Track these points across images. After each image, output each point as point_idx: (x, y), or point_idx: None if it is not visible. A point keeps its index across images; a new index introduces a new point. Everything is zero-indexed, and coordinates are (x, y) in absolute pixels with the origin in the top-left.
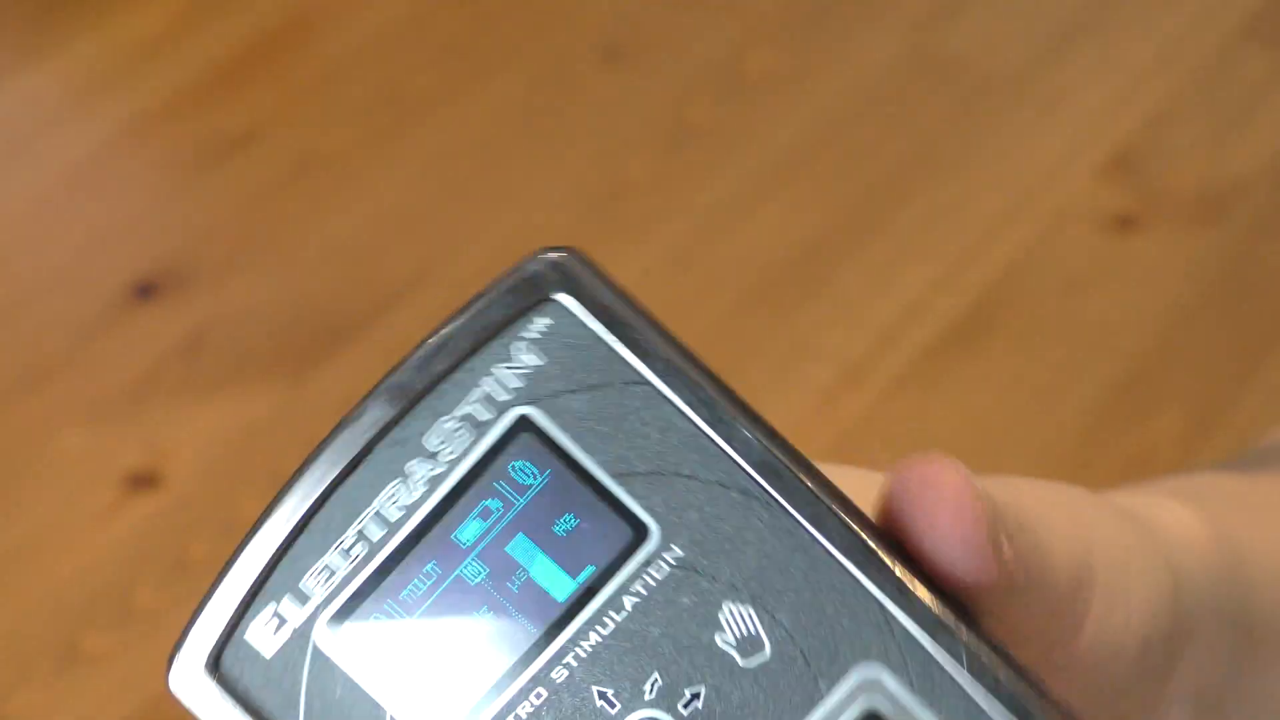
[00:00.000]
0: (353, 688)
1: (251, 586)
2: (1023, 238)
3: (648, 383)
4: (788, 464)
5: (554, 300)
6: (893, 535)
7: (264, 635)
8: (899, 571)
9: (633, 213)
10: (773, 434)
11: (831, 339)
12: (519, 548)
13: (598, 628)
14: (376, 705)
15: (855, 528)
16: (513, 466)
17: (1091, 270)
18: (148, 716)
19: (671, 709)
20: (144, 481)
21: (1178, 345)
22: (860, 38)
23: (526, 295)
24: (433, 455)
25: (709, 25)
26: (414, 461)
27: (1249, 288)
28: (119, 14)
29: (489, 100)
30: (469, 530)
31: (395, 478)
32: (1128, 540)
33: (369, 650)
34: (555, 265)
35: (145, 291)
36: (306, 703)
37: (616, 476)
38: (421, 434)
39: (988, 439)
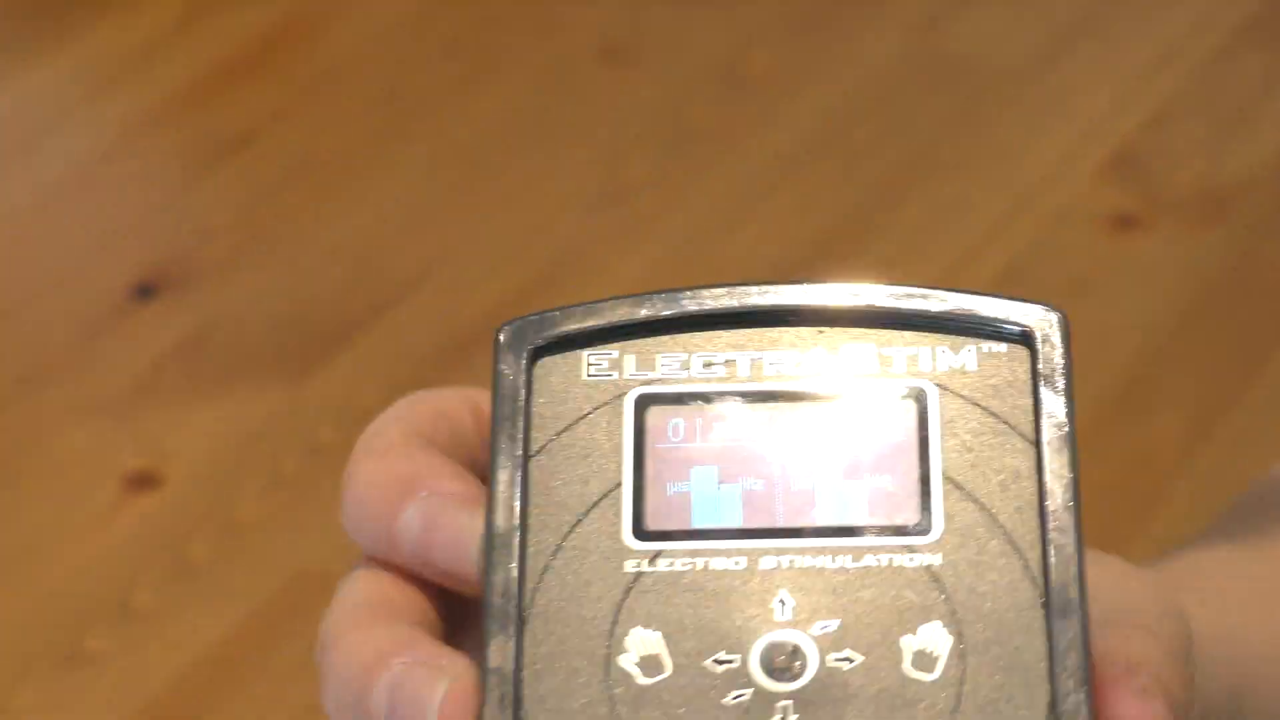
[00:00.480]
0: (613, 455)
1: (618, 327)
2: (1023, 238)
3: (1035, 445)
4: (1076, 583)
5: (1026, 346)
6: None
7: (595, 366)
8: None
9: (633, 213)
10: (1082, 555)
11: None
12: (827, 460)
13: (827, 557)
14: (618, 470)
15: (1076, 664)
16: (884, 413)
17: (1091, 270)
18: (148, 716)
19: (816, 641)
20: (144, 481)
21: (1178, 345)
22: (860, 38)
23: (1013, 329)
24: (837, 359)
25: (709, 25)
26: (818, 349)
27: (1249, 288)
28: (119, 14)
29: (489, 100)
30: (804, 420)
31: (795, 348)
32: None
33: (651, 439)
34: (1049, 322)
35: (145, 291)
36: (572, 429)
37: (947, 476)
38: (843, 340)
39: None
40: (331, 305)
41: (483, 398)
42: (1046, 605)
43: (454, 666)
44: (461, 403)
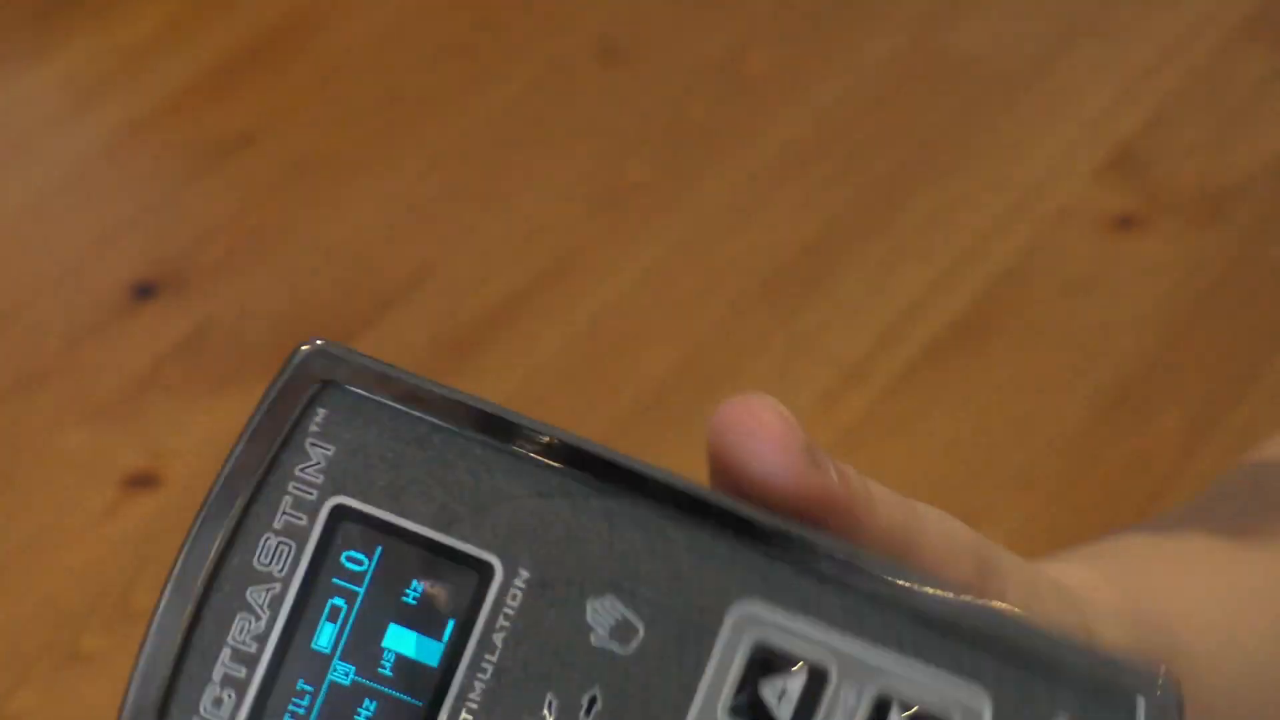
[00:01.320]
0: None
1: None
2: (1023, 238)
3: (441, 428)
4: (591, 451)
5: (325, 387)
6: (724, 478)
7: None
8: (731, 505)
9: (633, 213)
10: (564, 432)
11: (831, 339)
12: (377, 633)
13: (479, 675)
14: None
15: (676, 484)
16: (344, 558)
17: (1091, 270)
18: None
19: None
20: (144, 481)
21: (1178, 345)
22: (861, 38)
23: (297, 392)
24: (266, 576)
25: (709, 25)
26: (251, 589)
27: (1249, 288)
28: (119, 14)
29: (489, 100)
30: (325, 636)
31: (240, 610)
32: (1033, 575)
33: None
34: (311, 358)
35: (145, 291)
36: None
37: (442, 527)
38: (250, 559)
39: (988, 439)
40: (331, 305)
41: None
42: (585, 484)
43: None
44: None
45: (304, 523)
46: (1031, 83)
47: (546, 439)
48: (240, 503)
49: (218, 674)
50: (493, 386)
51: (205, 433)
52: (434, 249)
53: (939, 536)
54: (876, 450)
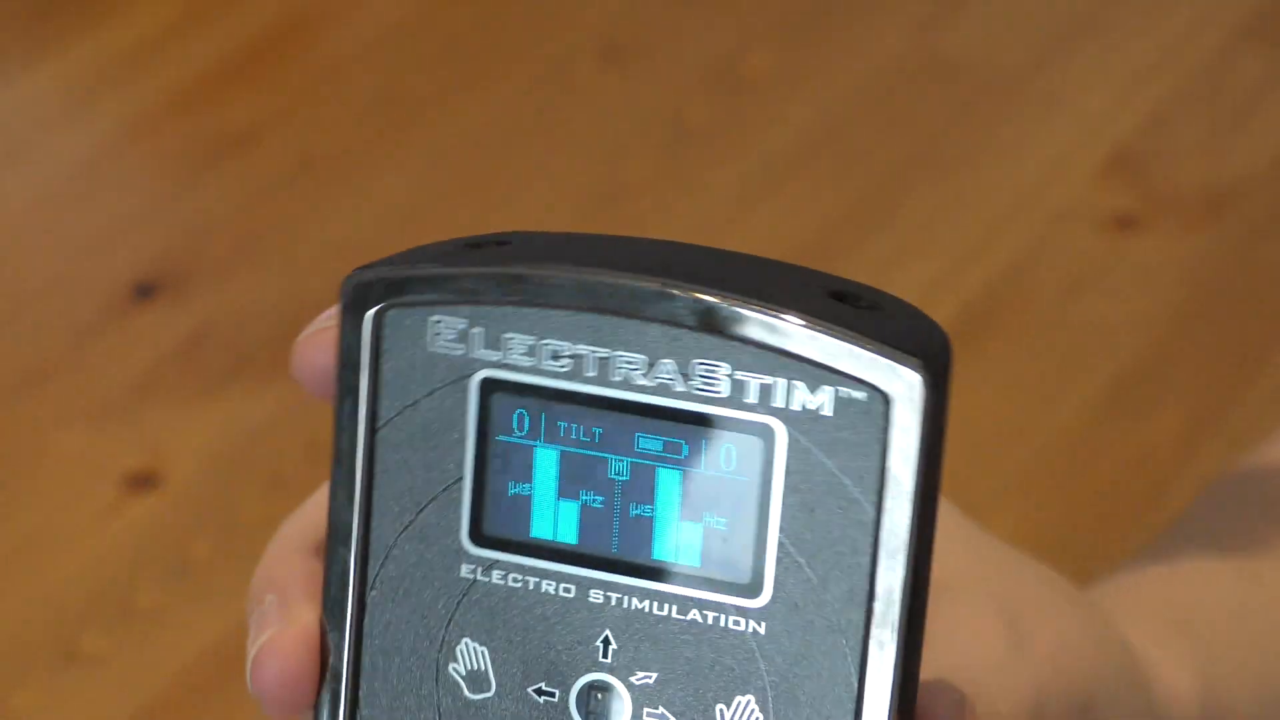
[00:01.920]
0: (456, 440)
1: (475, 291)
2: (1023, 238)
3: (875, 514)
4: (898, 645)
5: (884, 401)
6: None
7: (443, 334)
8: None
9: (633, 213)
10: (916, 618)
11: None
12: (666, 493)
13: (653, 603)
14: (459, 460)
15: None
16: (726, 447)
17: (1091, 270)
18: (148, 716)
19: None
20: (144, 481)
21: (1178, 345)
22: (860, 38)
23: (872, 379)
24: (687, 374)
25: (709, 25)
26: (670, 361)
27: (1249, 288)
28: (119, 14)
29: (489, 100)
30: (650, 443)
31: (646, 354)
32: (1123, 690)
33: (494, 428)
34: (911, 384)
35: (145, 291)
36: (415, 402)
37: (784, 537)
38: (699, 355)
39: (988, 438)
40: (331, 305)
41: None
42: (858, 710)
43: (298, 617)
44: None
45: (749, 402)
46: (1031, 83)
47: (895, 612)
48: (757, 341)
49: (581, 349)
50: None
51: (205, 433)
52: None
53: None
54: None
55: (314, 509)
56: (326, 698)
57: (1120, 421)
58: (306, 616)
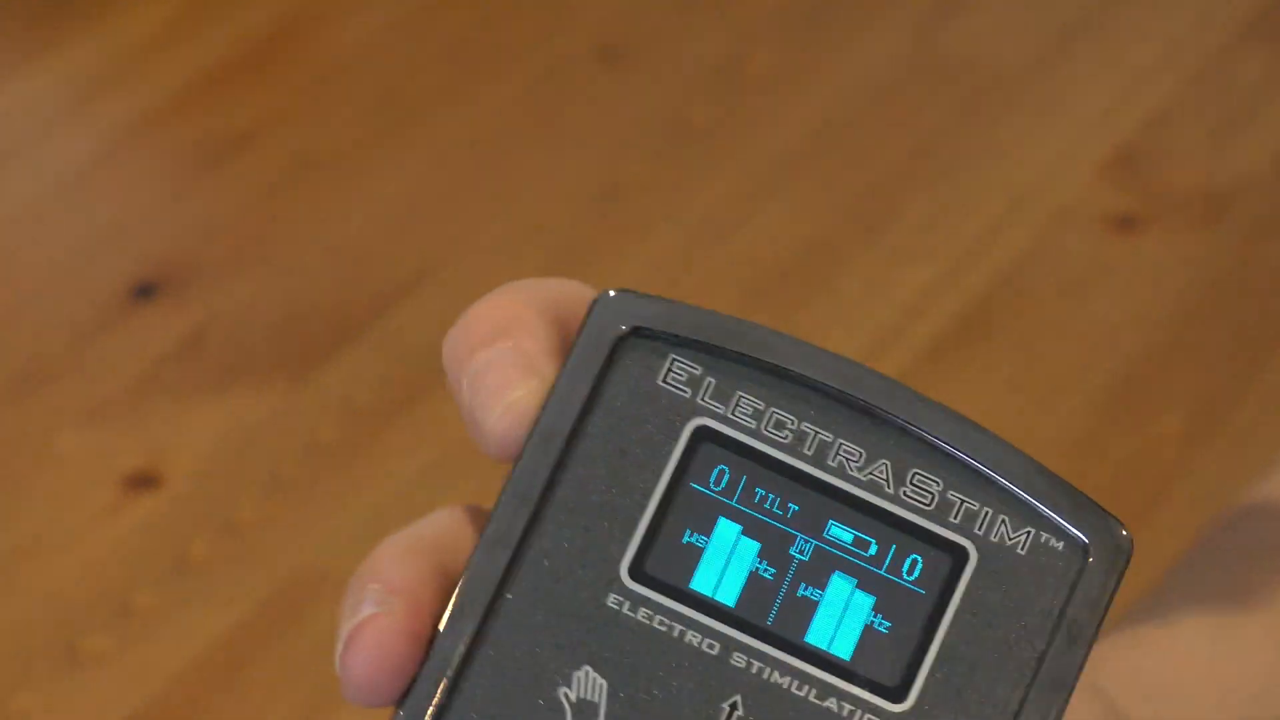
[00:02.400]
0: (652, 477)
1: (710, 343)
2: (1023, 238)
3: (1035, 667)
4: None
5: (1081, 557)
6: None
7: (675, 373)
8: None
9: (633, 213)
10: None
11: (831, 339)
12: (840, 585)
13: (795, 683)
14: (646, 494)
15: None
16: (913, 557)
17: (1091, 270)
18: (148, 716)
19: None
20: (144, 481)
21: (1178, 345)
22: (861, 38)
23: (1077, 535)
24: (899, 479)
25: (709, 25)
26: (888, 463)
27: (1250, 288)
28: (119, 14)
29: (489, 100)
30: (840, 532)
31: (867, 450)
32: None
33: (691, 477)
34: (1113, 545)
35: (145, 291)
36: (623, 431)
37: (943, 651)
38: (918, 465)
39: None
40: (331, 305)
41: None
42: None
43: (401, 608)
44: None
45: (951, 521)
46: (1031, 83)
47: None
48: (983, 466)
49: (807, 427)
50: None
51: (205, 433)
52: (434, 249)
53: None
54: None
55: (429, 526)
56: (421, 689)
57: (1120, 421)
58: (409, 611)
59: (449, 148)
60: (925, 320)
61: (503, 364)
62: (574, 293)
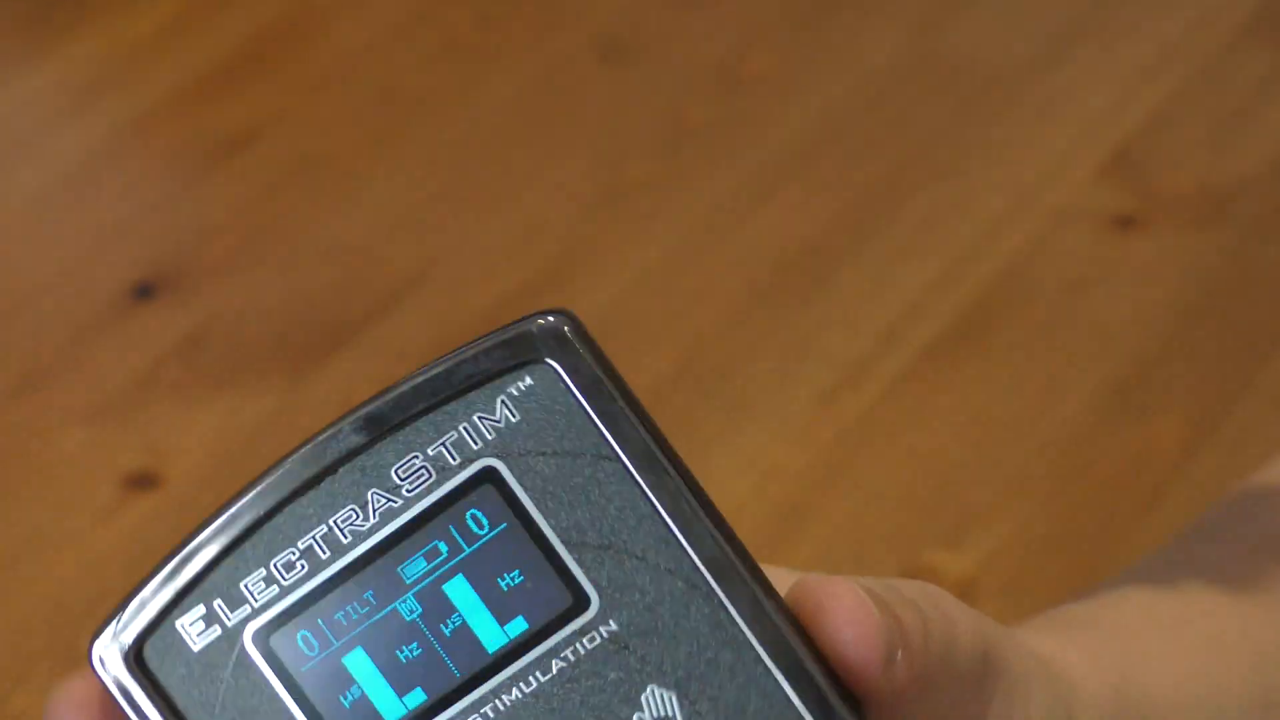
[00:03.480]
0: (273, 699)
1: (192, 580)
2: (1023, 238)
3: (618, 460)
4: (736, 563)
5: (543, 363)
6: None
7: (194, 629)
8: (821, 682)
9: (633, 213)
10: (728, 533)
11: (831, 339)
12: (459, 593)
13: (520, 684)
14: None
15: (787, 636)
16: (470, 514)
17: (1091, 270)
18: None
19: None
20: (144, 482)
21: (1178, 345)
22: (861, 38)
23: (517, 353)
24: (394, 488)
25: (709, 25)
26: (375, 491)
27: (1249, 288)
28: (119, 14)
29: (489, 100)
30: (413, 567)
31: (353, 502)
32: (1029, 663)
33: (294, 665)
34: (550, 330)
35: (145, 291)
36: (223, 703)
37: (568, 543)
38: (389, 466)
39: (988, 439)
40: (331, 305)
41: None
42: (712, 584)
43: None
44: None
45: (454, 464)
46: (1031, 83)
47: (707, 533)
48: (407, 414)
49: (304, 542)
50: None
51: (205, 433)
52: (434, 249)
53: (966, 653)
54: (875, 450)
55: None
56: None
57: (1120, 421)
58: None
59: (449, 147)
60: (925, 320)
61: None
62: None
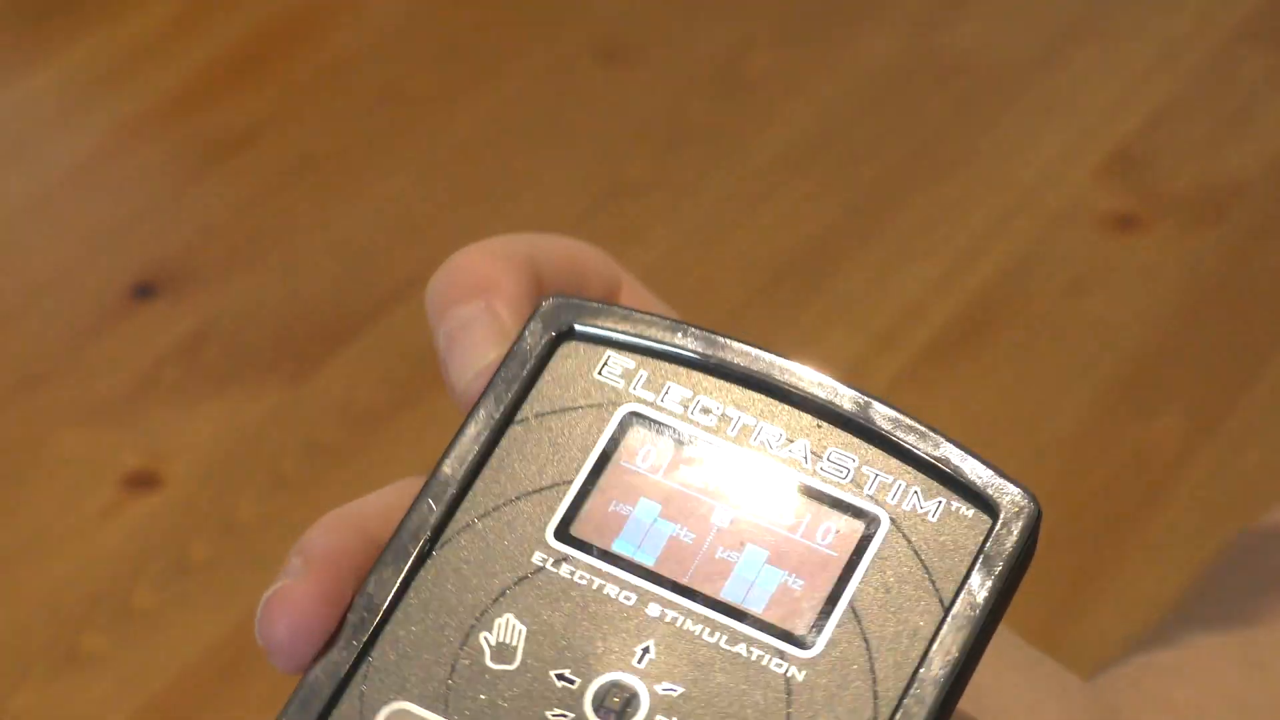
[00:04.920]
0: (584, 448)
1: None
2: (1023, 238)
3: (949, 608)
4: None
5: (993, 519)
6: None
7: (609, 367)
8: None
9: (633, 213)
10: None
11: (832, 339)
12: (755, 544)
13: (705, 628)
14: (575, 468)
15: None
16: (827, 526)
17: (1091, 270)
18: (147, 716)
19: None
20: (144, 481)
21: (1178, 345)
22: (861, 38)
23: (982, 503)
24: (819, 456)
25: (709, 25)
26: (805, 441)
27: (1249, 288)
28: (118, 14)
29: (489, 100)
30: (760, 504)
31: (785, 431)
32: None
33: (622, 448)
34: (1018, 509)
35: (145, 291)
36: (566, 411)
37: (853, 603)
38: (842, 444)
39: (988, 439)
40: (331, 305)
41: (613, 271)
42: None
43: (320, 575)
44: (594, 260)
45: (866, 492)
46: (1031, 83)
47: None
48: (898, 453)
49: (723, 405)
50: None
51: (205, 433)
52: (434, 249)
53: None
54: None
55: (372, 498)
56: (352, 621)
57: (1120, 421)
58: (323, 577)
59: (449, 147)
60: (925, 320)
61: (475, 327)
62: (559, 250)
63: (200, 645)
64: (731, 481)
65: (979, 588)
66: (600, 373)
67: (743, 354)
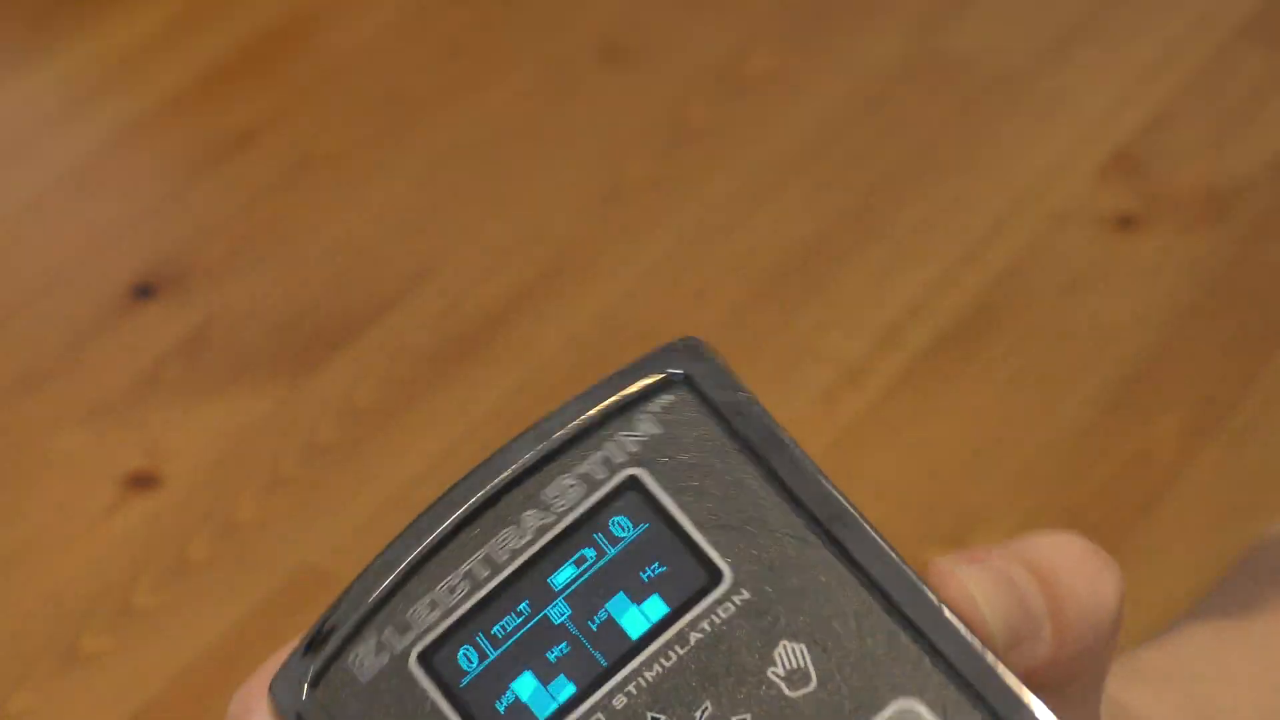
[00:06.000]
0: (437, 712)
1: (363, 616)
2: (1023, 238)
3: (745, 453)
4: (858, 520)
5: (679, 381)
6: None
7: (365, 661)
8: (943, 614)
9: (633, 213)
10: (845, 498)
11: (832, 339)
12: (604, 592)
13: (661, 660)
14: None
15: (906, 574)
16: (613, 521)
17: (1091, 270)
18: (147, 716)
19: None
20: (144, 481)
21: (1178, 345)
22: (861, 38)
23: (655, 372)
24: (546, 507)
25: (709, 25)
26: (530, 511)
27: (1250, 288)
28: (119, 14)
29: (489, 100)
30: (563, 575)
31: (510, 525)
32: (1118, 715)
33: (454, 680)
34: (681, 349)
35: (145, 291)
36: None
37: (702, 528)
38: (542, 488)
39: (988, 439)
40: (331, 305)
41: None
42: (840, 540)
43: None
44: None
45: (601, 477)
46: (1031, 83)
47: (821, 492)
48: (559, 445)
49: (465, 568)
50: (493, 386)
51: (205, 433)
52: (434, 249)
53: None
54: (876, 450)
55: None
56: None
57: (1120, 421)
58: None
59: (449, 147)
60: (925, 320)
61: None
62: None
63: (200, 645)
64: (528, 592)
65: (740, 407)
66: (366, 675)
67: (404, 549)
